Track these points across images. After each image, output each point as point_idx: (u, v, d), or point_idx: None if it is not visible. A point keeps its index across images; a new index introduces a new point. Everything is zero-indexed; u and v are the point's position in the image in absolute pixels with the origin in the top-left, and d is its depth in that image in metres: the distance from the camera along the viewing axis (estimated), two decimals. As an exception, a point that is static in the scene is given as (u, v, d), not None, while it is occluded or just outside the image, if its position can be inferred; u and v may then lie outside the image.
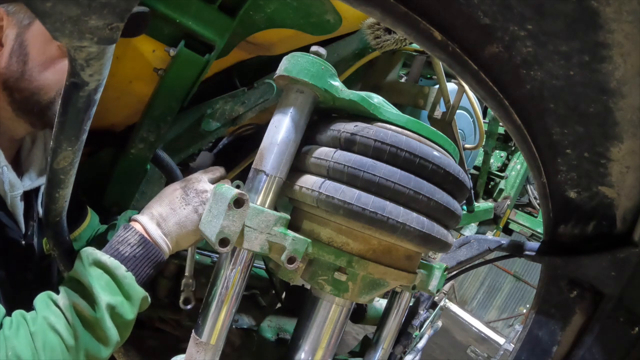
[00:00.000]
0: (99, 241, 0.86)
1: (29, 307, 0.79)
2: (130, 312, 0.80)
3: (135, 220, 0.88)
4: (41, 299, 0.78)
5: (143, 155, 1.31)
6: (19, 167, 0.98)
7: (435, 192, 0.72)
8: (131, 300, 0.80)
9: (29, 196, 0.99)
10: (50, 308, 0.76)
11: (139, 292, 0.81)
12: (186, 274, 0.93)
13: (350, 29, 1.50)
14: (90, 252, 0.80)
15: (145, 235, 0.85)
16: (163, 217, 0.87)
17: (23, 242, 0.97)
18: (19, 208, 0.94)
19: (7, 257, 0.92)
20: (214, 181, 0.95)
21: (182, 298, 0.89)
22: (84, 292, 0.77)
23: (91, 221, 1.24)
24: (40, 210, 1.01)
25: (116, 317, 0.78)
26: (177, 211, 0.88)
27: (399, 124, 0.75)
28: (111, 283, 0.78)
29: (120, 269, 0.79)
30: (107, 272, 0.79)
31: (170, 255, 0.90)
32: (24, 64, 0.85)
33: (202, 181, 0.93)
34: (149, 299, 0.85)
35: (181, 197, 0.89)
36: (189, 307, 0.88)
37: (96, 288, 0.76)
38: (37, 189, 1.01)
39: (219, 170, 0.99)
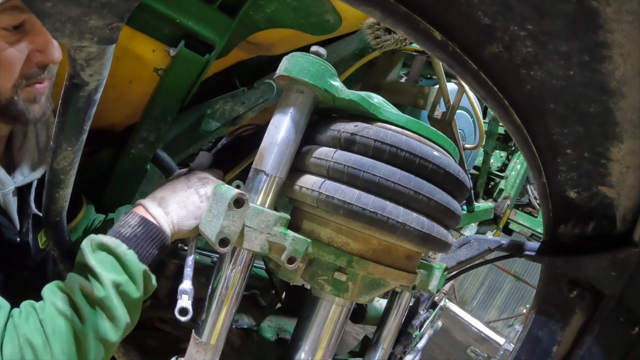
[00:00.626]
0: (97, 233, 0.86)
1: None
2: (135, 291, 0.79)
3: (138, 204, 0.88)
4: (48, 287, 0.78)
5: (143, 155, 1.31)
6: (11, 161, 0.97)
7: (435, 192, 0.72)
8: (135, 278, 0.79)
9: (23, 192, 0.98)
10: (57, 294, 0.76)
11: (141, 268, 0.80)
12: (184, 279, 0.87)
13: (350, 29, 1.50)
14: (94, 237, 0.80)
15: (147, 215, 0.85)
16: (164, 198, 0.87)
17: (18, 239, 0.96)
18: (12, 205, 0.93)
19: (2, 256, 0.92)
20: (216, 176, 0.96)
21: (178, 307, 0.81)
22: (90, 274, 0.77)
23: (87, 211, 1.24)
24: (34, 207, 1.00)
25: (123, 295, 0.77)
26: (178, 193, 0.88)
27: (399, 124, 0.75)
28: (115, 263, 0.78)
29: (122, 247, 0.78)
30: (110, 253, 0.78)
31: (172, 243, 0.88)
32: None
33: (204, 173, 0.94)
34: (154, 281, 0.84)
35: (183, 182, 0.90)
36: (185, 318, 0.81)
37: (101, 269, 0.76)
38: (31, 184, 1.00)
39: (219, 172, 1.00)
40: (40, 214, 0.98)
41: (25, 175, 0.97)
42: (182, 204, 0.87)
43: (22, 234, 0.98)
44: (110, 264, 0.77)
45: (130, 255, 0.79)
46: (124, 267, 0.78)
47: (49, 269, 1.13)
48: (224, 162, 1.26)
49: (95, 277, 0.76)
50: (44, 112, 0.91)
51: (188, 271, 0.89)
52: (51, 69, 0.91)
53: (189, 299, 0.83)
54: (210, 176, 0.93)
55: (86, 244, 0.79)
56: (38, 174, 0.99)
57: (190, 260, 0.90)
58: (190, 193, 0.88)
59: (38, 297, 0.79)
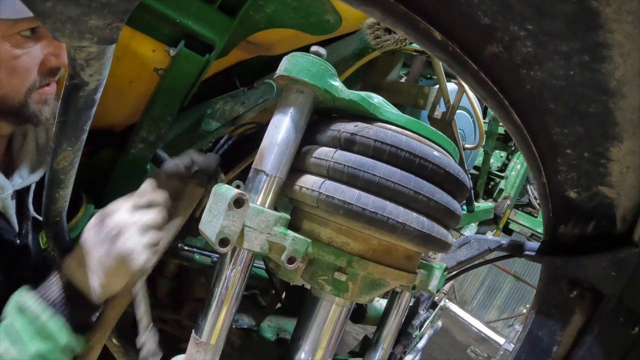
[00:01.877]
0: None
1: None
2: (61, 358, 0.77)
3: (62, 266, 0.83)
4: None
5: (143, 155, 1.31)
6: (11, 163, 0.97)
7: (435, 192, 0.72)
8: (60, 346, 0.77)
9: (22, 194, 0.98)
10: None
11: (66, 336, 0.77)
12: (140, 332, 0.81)
13: (350, 29, 1.50)
14: (19, 298, 0.77)
15: (71, 277, 0.81)
16: (84, 256, 0.81)
17: (18, 242, 0.96)
18: (11, 208, 0.93)
19: (3, 259, 0.91)
20: (139, 207, 0.83)
21: (144, 351, 0.77)
22: (16, 338, 0.75)
23: (87, 209, 1.23)
24: (32, 209, 1.00)
25: None
26: (93, 251, 0.80)
27: (399, 124, 0.75)
28: (39, 330, 0.75)
29: (46, 314, 0.76)
30: (34, 319, 0.76)
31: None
32: None
33: (119, 211, 0.81)
34: (80, 344, 0.81)
35: (95, 234, 0.81)
36: None
37: (26, 336, 0.74)
38: (30, 186, 1.00)
39: (148, 194, 0.86)
40: (39, 217, 0.97)
41: (24, 178, 0.97)
42: (102, 262, 0.79)
43: (21, 236, 0.98)
44: (35, 331, 0.75)
45: (54, 323, 0.76)
46: (49, 335, 0.76)
47: (50, 268, 1.13)
48: (230, 161, 1.26)
49: (21, 344, 0.74)
50: (54, 113, 0.92)
51: (143, 322, 0.82)
52: (61, 72, 0.92)
53: (154, 340, 0.80)
54: (126, 216, 0.81)
55: (14, 303, 0.77)
56: (37, 176, 0.99)
57: (142, 308, 0.83)
58: (104, 250, 0.79)
59: None
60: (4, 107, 0.87)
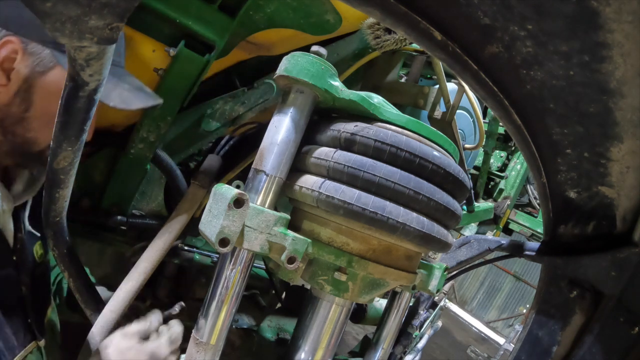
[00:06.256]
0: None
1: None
2: None
3: None
4: None
5: (143, 155, 1.31)
6: (7, 177, 0.94)
7: (435, 192, 0.72)
8: None
9: (17, 209, 0.96)
10: None
11: None
12: None
13: (350, 29, 1.50)
14: None
15: None
16: None
17: (14, 258, 0.93)
18: (9, 223, 0.91)
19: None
20: (176, 342, 0.91)
21: None
22: None
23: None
24: (27, 223, 0.97)
25: None
26: None
27: (399, 124, 0.75)
28: None
29: None
30: None
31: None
32: (25, 110, 0.82)
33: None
34: None
35: None
36: None
37: None
38: (26, 201, 0.98)
39: (176, 326, 0.95)
40: (36, 232, 0.96)
41: (19, 195, 0.94)
42: None
43: (16, 252, 0.95)
44: None
45: None
46: None
47: (48, 282, 1.10)
48: (231, 162, 1.26)
49: None
50: None
51: None
52: None
53: None
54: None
55: None
56: (33, 192, 0.97)
57: None
58: None
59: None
60: (22, 149, 0.87)
